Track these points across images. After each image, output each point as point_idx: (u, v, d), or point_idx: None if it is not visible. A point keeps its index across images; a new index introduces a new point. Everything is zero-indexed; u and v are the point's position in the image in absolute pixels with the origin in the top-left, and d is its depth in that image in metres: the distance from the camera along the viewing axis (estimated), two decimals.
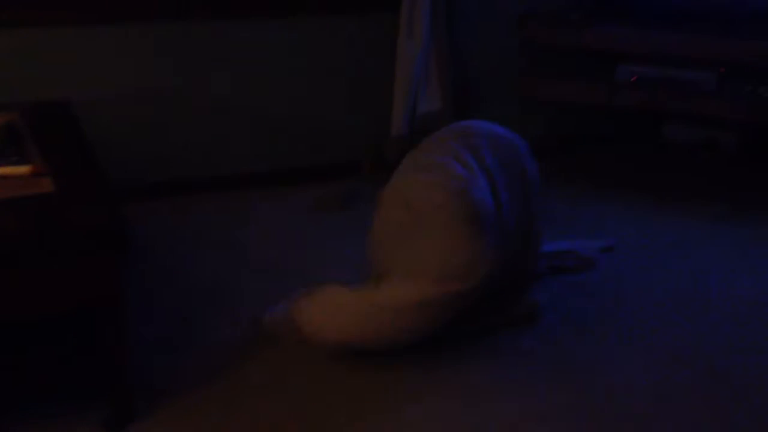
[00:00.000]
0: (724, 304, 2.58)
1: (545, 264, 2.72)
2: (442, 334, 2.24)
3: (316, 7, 3.54)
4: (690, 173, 3.80)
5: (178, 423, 1.98)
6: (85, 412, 1.97)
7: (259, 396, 2.09)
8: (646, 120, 4.10)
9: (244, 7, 3.43)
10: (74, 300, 1.89)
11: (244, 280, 2.73)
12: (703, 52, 3.46)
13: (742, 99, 3.51)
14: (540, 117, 4.00)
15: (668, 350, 2.33)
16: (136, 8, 3.26)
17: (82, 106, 2.81)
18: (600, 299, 2.62)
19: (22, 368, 1.97)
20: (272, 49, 3.52)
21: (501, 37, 3.78)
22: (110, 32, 3.26)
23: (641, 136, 4.13)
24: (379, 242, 2.38)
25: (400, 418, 2.00)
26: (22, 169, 2.08)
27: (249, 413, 2.02)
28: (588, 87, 3.75)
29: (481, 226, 2.21)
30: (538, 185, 2.51)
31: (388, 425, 1.98)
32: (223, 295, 2.62)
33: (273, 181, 3.61)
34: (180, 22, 3.35)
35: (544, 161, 2.68)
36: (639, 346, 2.35)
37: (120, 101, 3.31)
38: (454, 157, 2.32)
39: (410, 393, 2.11)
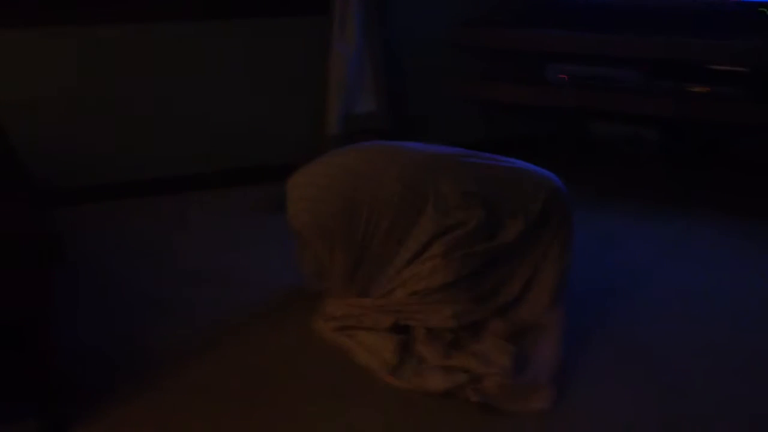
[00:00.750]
0: (656, 294, 2.66)
1: None
2: None
3: (251, 10, 3.53)
4: (616, 169, 3.90)
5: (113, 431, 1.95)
6: (18, 424, 1.92)
7: (198, 401, 2.06)
8: (576, 118, 4.20)
9: (178, 10, 3.40)
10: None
11: (177, 285, 2.69)
12: (628, 51, 3.57)
13: (667, 95, 3.62)
14: (477, 118, 4.05)
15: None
16: (67, 11, 3.20)
17: (9, 110, 2.75)
18: None
19: None
20: (208, 52, 3.50)
21: (435, 39, 3.82)
22: (39, 34, 3.19)
23: (571, 135, 4.23)
24: None
25: None
26: None
27: (187, 418, 1.99)
28: (519, 87, 3.83)
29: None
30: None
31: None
32: (157, 302, 2.58)
33: (208, 184, 3.60)
34: (114, 25, 3.31)
35: None
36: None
37: (51, 105, 3.25)
38: None
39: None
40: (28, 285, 1.82)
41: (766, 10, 3.39)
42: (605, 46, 3.58)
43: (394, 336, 2.27)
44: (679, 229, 3.21)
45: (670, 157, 4.02)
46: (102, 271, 2.79)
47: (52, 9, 3.18)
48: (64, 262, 1.81)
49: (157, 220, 3.27)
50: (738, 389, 2.12)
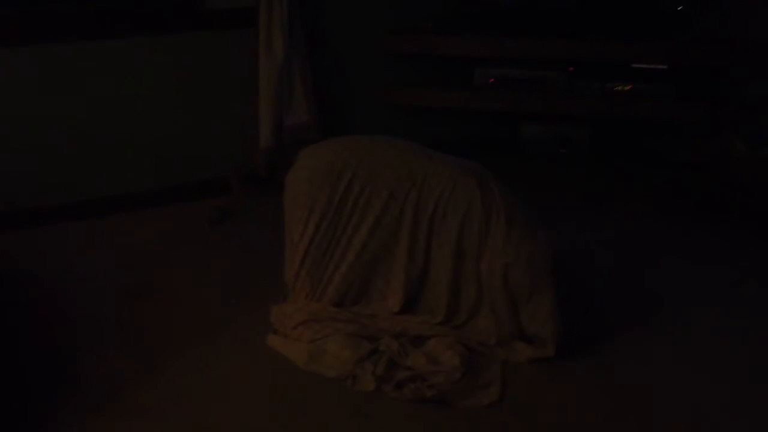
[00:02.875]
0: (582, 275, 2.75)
1: None
2: None
3: (177, 25, 3.46)
4: (544, 169, 3.99)
5: None
6: None
7: (140, 425, 2.00)
8: (506, 121, 4.27)
9: (100, 27, 3.31)
10: None
11: (115, 307, 2.61)
12: (552, 53, 3.65)
13: (592, 94, 3.73)
14: (410, 124, 4.07)
15: None
16: None
17: None
18: None
19: None
20: (135, 69, 3.41)
21: (365, 47, 3.83)
22: None
23: (502, 138, 4.30)
24: None
25: None
26: None
27: None
28: (448, 92, 3.88)
29: None
30: None
31: None
32: (97, 323, 2.50)
33: (141, 204, 3.50)
34: (40, 44, 3.20)
35: None
36: None
37: None
38: None
39: None
40: None
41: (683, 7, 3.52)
42: (530, 49, 3.66)
43: (356, 342, 2.28)
44: (607, 221, 3.33)
45: (597, 155, 4.12)
46: (39, 294, 2.69)
47: None
48: None
49: (92, 241, 3.17)
50: None
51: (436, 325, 2.37)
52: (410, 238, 2.40)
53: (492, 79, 3.85)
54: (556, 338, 2.26)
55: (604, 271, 2.85)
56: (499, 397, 2.10)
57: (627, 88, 3.70)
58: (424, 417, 2.03)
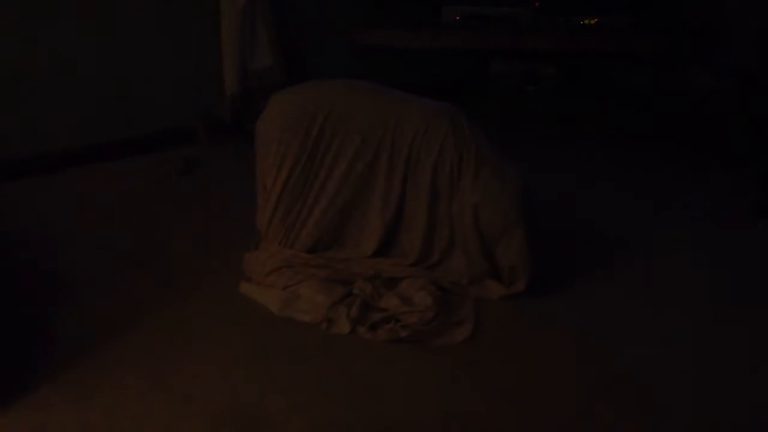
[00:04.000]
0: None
1: None
2: None
3: None
4: (512, 107, 3.99)
5: (30, 415, 1.87)
6: None
7: (118, 376, 2.00)
8: (474, 60, 4.24)
9: None
10: None
11: (85, 262, 2.58)
12: None
13: (558, 30, 3.70)
14: (376, 67, 4.02)
15: None
16: None
17: None
18: None
19: None
20: (88, 11, 3.25)
21: None
22: None
23: (470, 77, 4.27)
24: None
25: None
26: None
27: (106, 394, 1.94)
28: (414, 32, 3.83)
29: None
30: None
31: None
32: (66, 281, 2.48)
33: (102, 157, 3.39)
34: None
35: None
36: None
37: None
38: None
39: None
40: None
41: None
42: None
43: (330, 286, 2.30)
44: (572, 153, 3.36)
45: (565, 92, 4.12)
46: (5, 252, 2.65)
47: None
48: None
49: (57, 197, 3.11)
50: None
51: (408, 267, 2.38)
52: (386, 183, 2.40)
53: (458, 17, 3.80)
54: (528, 273, 2.28)
55: (565, 210, 2.89)
56: (473, 334, 2.13)
57: (593, 21, 3.68)
58: (399, 357, 2.05)
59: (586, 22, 3.67)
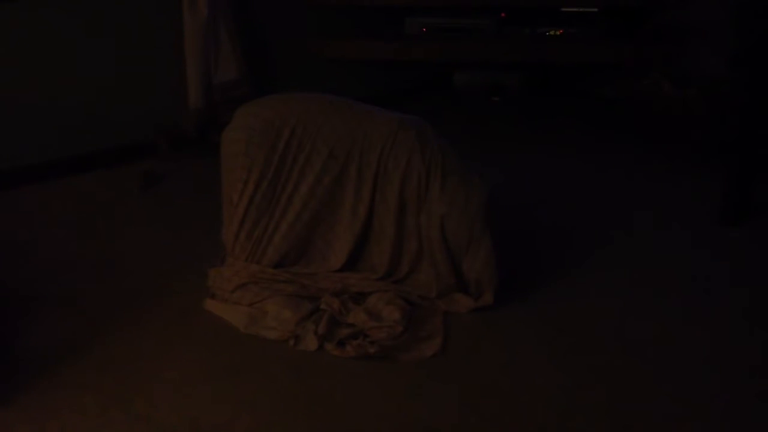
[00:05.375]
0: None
1: None
2: None
3: None
4: (477, 115, 4.00)
5: None
6: None
7: (75, 399, 1.95)
8: (439, 71, 4.24)
9: None
10: None
11: (47, 279, 2.52)
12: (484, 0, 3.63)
13: (523, 41, 3.72)
14: (342, 78, 4.00)
15: None
16: None
17: None
18: None
19: None
20: (47, 25, 3.21)
21: (292, 1, 3.73)
22: None
23: (435, 88, 4.28)
24: None
25: None
26: None
27: (64, 417, 1.88)
28: (378, 44, 3.82)
29: None
30: None
31: None
32: (25, 298, 2.40)
33: (62, 172, 3.33)
34: None
35: None
36: None
37: None
38: None
39: None
40: None
41: None
42: None
43: (297, 302, 2.26)
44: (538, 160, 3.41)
45: (529, 101, 4.15)
46: None
47: None
48: None
49: (16, 213, 3.03)
50: None
51: (376, 281, 2.35)
52: (354, 196, 2.37)
53: (425, 29, 3.80)
54: (494, 285, 2.27)
55: (532, 215, 2.91)
56: (442, 348, 2.11)
57: (558, 32, 3.70)
58: (368, 373, 2.02)
59: (552, 33, 3.69)
